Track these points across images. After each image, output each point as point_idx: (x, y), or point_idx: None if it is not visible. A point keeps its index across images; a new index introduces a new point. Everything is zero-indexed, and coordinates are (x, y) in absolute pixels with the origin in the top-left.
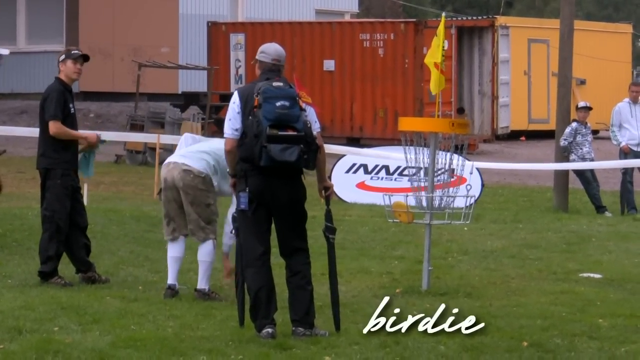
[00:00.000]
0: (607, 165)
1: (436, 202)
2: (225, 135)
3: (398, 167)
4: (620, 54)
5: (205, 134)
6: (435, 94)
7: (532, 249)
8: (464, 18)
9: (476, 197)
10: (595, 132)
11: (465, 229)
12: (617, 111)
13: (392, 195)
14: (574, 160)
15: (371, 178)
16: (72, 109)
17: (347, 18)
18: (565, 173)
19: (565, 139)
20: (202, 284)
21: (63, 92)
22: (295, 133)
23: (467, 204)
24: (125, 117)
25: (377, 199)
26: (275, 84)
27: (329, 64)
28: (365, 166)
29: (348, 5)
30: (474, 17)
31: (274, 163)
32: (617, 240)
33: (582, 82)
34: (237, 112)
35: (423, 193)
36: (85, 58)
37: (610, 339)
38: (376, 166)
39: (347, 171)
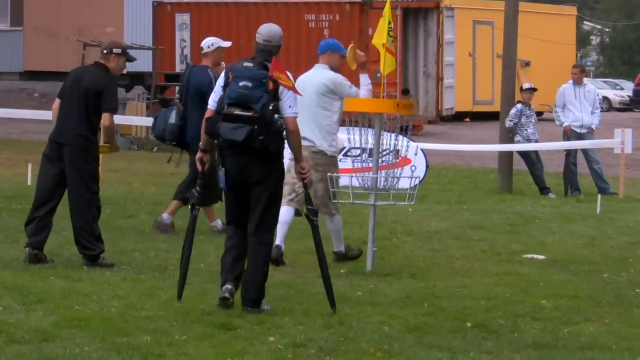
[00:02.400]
0: (551, 146)
1: (381, 183)
2: (208, 105)
3: (343, 148)
4: (565, 36)
5: (150, 114)
6: (381, 75)
7: (476, 230)
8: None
9: (421, 178)
10: (539, 113)
11: (410, 210)
12: (562, 92)
13: (337, 176)
14: (518, 142)
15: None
16: None
17: None
18: (509, 154)
19: (510, 120)
20: (338, 247)
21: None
22: (249, 113)
23: (412, 185)
24: None
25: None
26: (245, 64)
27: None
28: None
29: None
30: None
31: (223, 141)
32: (561, 221)
33: (527, 64)
34: (221, 86)
35: (368, 174)
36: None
37: (553, 319)
38: (342, 148)
39: None
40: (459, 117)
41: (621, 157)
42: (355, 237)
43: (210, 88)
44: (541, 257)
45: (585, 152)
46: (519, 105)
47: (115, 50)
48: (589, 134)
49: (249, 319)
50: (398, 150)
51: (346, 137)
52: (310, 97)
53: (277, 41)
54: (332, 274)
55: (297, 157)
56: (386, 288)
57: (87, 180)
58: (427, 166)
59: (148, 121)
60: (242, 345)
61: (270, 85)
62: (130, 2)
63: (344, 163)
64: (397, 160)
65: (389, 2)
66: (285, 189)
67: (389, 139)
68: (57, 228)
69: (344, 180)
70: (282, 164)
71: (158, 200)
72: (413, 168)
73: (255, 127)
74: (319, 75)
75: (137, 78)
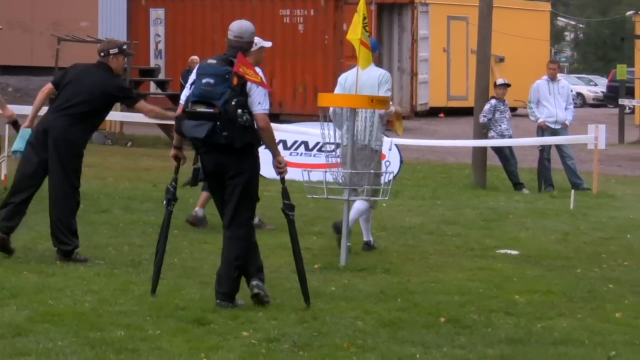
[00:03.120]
0: (525, 142)
1: (355, 178)
2: (180, 101)
3: (317, 143)
4: (539, 32)
5: (125, 109)
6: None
7: (450, 225)
8: None
9: (395, 173)
10: (513, 109)
11: (384, 205)
12: (536, 88)
13: (311, 171)
14: (492, 137)
15: (290, 154)
16: None
17: None
18: (483, 150)
19: (484, 116)
20: (367, 236)
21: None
22: (210, 110)
23: (386, 180)
24: None
25: (296, 174)
26: (210, 61)
27: (267, 43)
28: (284, 142)
29: None
30: None
31: (187, 139)
32: (535, 217)
33: (501, 60)
34: (191, 84)
35: (341, 169)
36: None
37: (526, 315)
38: (295, 142)
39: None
40: (433, 112)
41: (595, 152)
42: (329, 233)
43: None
44: (515, 252)
45: (559, 147)
46: (493, 101)
47: (112, 51)
48: (563, 129)
49: (223, 314)
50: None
51: (320, 132)
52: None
53: (248, 37)
54: (306, 269)
55: (274, 152)
56: (360, 283)
57: (70, 174)
58: (401, 161)
59: (122, 116)
60: (215, 340)
61: (235, 80)
62: None
63: (318, 158)
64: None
65: None
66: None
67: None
68: (30, 223)
69: (318, 176)
70: (257, 159)
71: (132, 195)
72: (387, 163)
73: (218, 123)
74: (372, 73)
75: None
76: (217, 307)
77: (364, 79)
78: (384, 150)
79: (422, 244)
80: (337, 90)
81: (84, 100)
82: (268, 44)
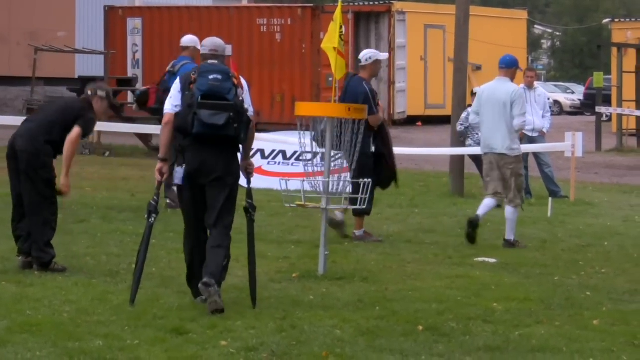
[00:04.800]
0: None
1: (333, 187)
2: (165, 111)
3: (295, 152)
4: (516, 40)
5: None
6: (333, 79)
7: (428, 233)
8: (361, 3)
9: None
10: None
11: None
12: None
13: (288, 180)
14: (470, 145)
15: (268, 163)
16: None
17: (245, 3)
18: (461, 158)
19: (461, 124)
20: (509, 235)
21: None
22: (226, 102)
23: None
24: (22, 102)
25: (274, 184)
26: (210, 61)
27: (227, 49)
28: (262, 151)
29: None
30: (371, 3)
31: (204, 127)
32: None
33: (478, 68)
34: (178, 91)
35: (319, 178)
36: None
37: (504, 322)
38: (273, 151)
39: None
40: (410, 120)
41: (572, 160)
42: (307, 241)
43: (365, 100)
44: (492, 260)
45: (536, 155)
46: (470, 109)
47: (99, 93)
48: (540, 137)
49: (201, 323)
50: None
51: (298, 141)
52: (497, 106)
53: (222, 51)
54: (284, 277)
55: (248, 154)
56: (338, 292)
57: (38, 184)
58: None
59: (99, 126)
60: (194, 349)
61: (235, 80)
62: (82, 7)
63: (296, 167)
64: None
65: (340, 6)
66: (491, 185)
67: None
68: (9, 233)
69: (295, 185)
70: (239, 163)
71: (110, 204)
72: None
73: (231, 114)
74: (506, 87)
75: (89, 82)
76: (195, 317)
77: (497, 94)
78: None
79: (400, 252)
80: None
81: (54, 112)
82: (384, 56)
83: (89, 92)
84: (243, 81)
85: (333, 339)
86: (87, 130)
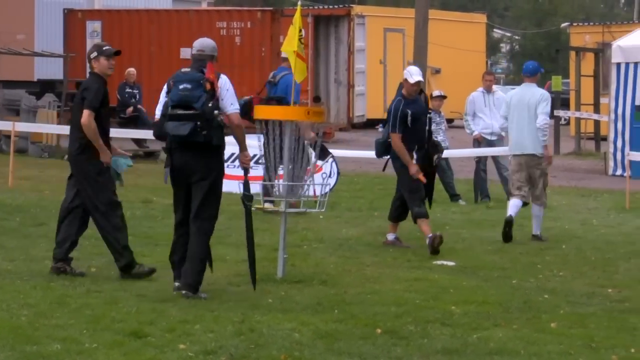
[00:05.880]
0: (461, 153)
1: (292, 191)
2: (155, 118)
3: (254, 156)
4: (475, 44)
5: (61, 121)
6: (298, 83)
7: None
8: (321, 7)
9: (332, 185)
10: (449, 120)
11: (321, 217)
12: (471, 100)
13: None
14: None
15: (227, 166)
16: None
17: (204, 6)
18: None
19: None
20: (536, 230)
21: (103, 85)
22: (191, 112)
23: (323, 192)
24: None
25: (233, 187)
26: (184, 70)
27: (186, 52)
28: None
29: None
30: (331, 6)
31: (171, 138)
32: (471, 228)
33: (437, 71)
34: (164, 97)
35: (279, 181)
36: (117, 53)
37: (462, 325)
38: (232, 154)
39: None
40: (370, 124)
41: None
42: (266, 244)
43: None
44: (451, 263)
45: (495, 159)
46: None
47: (92, 55)
48: (499, 141)
49: (160, 327)
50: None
51: (257, 144)
52: (527, 110)
53: (210, 50)
54: (243, 281)
55: (242, 147)
56: (297, 295)
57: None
58: (338, 173)
59: (59, 129)
60: (152, 352)
61: (208, 86)
62: (41, 9)
63: (256, 171)
64: (309, 168)
65: (299, 9)
66: (517, 184)
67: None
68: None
69: (254, 188)
70: (222, 159)
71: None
72: (324, 175)
73: (198, 123)
74: (533, 91)
75: (48, 86)
76: (153, 320)
77: (527, 97)
78: (320, 162)
79: (359, 256)
80: (503, 109)
81: (76, 113)
82: (415, 79)
83: (95, 54)
84: (224, 80)
85: (292, 342)
86: (94, 103)
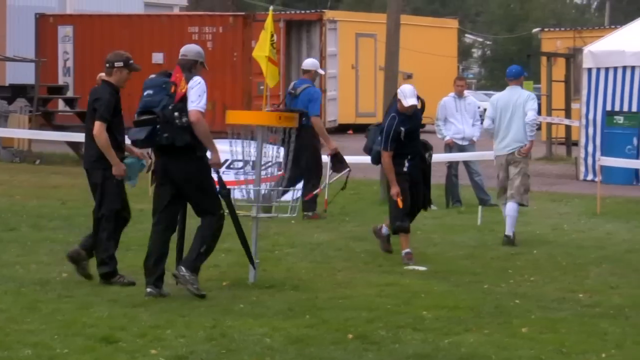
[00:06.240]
0: (434, 159)
1: (265, 195)
2: None
3: (226, 160)
4: (447, 49)
5: (33, 126)
6: (268, 87)
7: (359, 241)
8: (293, 12)
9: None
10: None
11: (293, 222)
12: (443, 105)
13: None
14: None
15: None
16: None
17: (176, 11)
18: None
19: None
20: (509, 230)
21: (114, 94)
22: (149, 116)
23: (294, 197)
24: None
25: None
26: (152, 76)
27: (158, 57)
28: None
29: None
30: (303, 11)
31: (133, 143)
32: (442, 232)
33: (409, 76)
34: None
35: (250, 186)
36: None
37: (434, 330)
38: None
39: None
40: (342, 129)
41: None
42: (237, 249)
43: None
44: (423, 268)
45: (466, 164)
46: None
47: (116, 64)
48: (470, 146)
49: (131, 332)
50: (281, 163)
51: (229, 149)
52: (513, 111)
53: (193, 55)
54: (214, 286)
55: (209, 148)
56: (268, 300)
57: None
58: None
59: (30, 134)
60: (124, 358)
61: (172, 89)
62: (13, 14)
63: (227, 175)
64: (280, 173)
65: (271, 14)
66: (501, 193)
67: (271, 151)
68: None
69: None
70: (201, 163)
71: (40, 213)
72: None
73: (158, 126)
74: (520, 92)
75: (20, 90)
76: (125, 325)
77: (514, 99)
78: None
79: (331, 261)
80: (489, 111)
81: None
82: (409, 103)
83: (107, 65)
84: (194, 81)
85: (263, 347)
86: (105, 114)
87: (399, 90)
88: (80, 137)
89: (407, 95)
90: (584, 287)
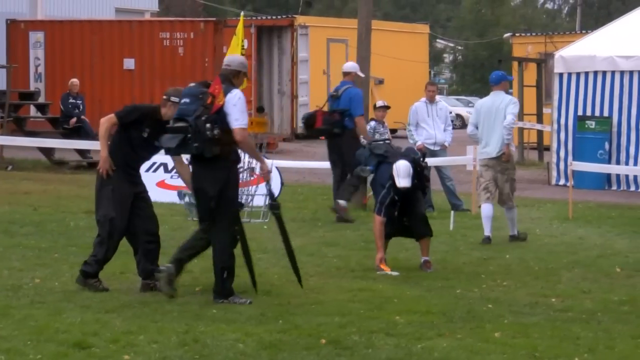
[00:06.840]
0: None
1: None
2: None
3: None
4: (418, 54)
5: (4, 132)
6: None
7: (331, 246)
8: (264, 17)
9: (275, 195)
10: (393, 131)
11: (265, 227)
12: (414, 111)
13: (192, 194)
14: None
15: (171, 177)
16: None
17: (147, 17)
18: None
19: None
20: (512, 231)
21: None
22: (182, 125)
23: (266, 203)
24: None
25: (177, 197)
26: (191, 84)
27: (129, 63)
28: (165, 165)
29: (148, 4)
30: (274, 17)
31: (165, 151)
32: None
33: (380, 82)
34: None
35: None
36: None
37: (406, 335)
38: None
39: (147, 170)
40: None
41: (473, 173)
42: (207, 254)
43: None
44: (394, 273)
45: (438, 169)
46: (372, 123)
47: (173, 99)
48: (442, 151)
49: (104, 338)
50: (253, 168)
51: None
52: (495, 116)
53: (236, 66)
54: (187, 291)
55: (257, 159)
56: (241, 305)
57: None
58: (281, 184)
59: (2, 140)
60: None
61: (209, 100)
62: None
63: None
64: (252, 178)
65: (242, 20)
66: (482, 192)
67: (243, 157)
68: None
69: (170, 196)
70: (227, 172)
71: (12, 219)
72: (267, 186)
73: (189, 135)
74: (502, 98)
75: None
76: (97, 331)
77: (497, 104)
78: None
79: (303, 266)
80: (473, 117)
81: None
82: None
83: (164, 97)
84: (233, 94)
85: (236, 352)
86: (121, 113)
87: (394, 166)
88: (52, 143)
89: (401, 175)
90: (556, 291)
